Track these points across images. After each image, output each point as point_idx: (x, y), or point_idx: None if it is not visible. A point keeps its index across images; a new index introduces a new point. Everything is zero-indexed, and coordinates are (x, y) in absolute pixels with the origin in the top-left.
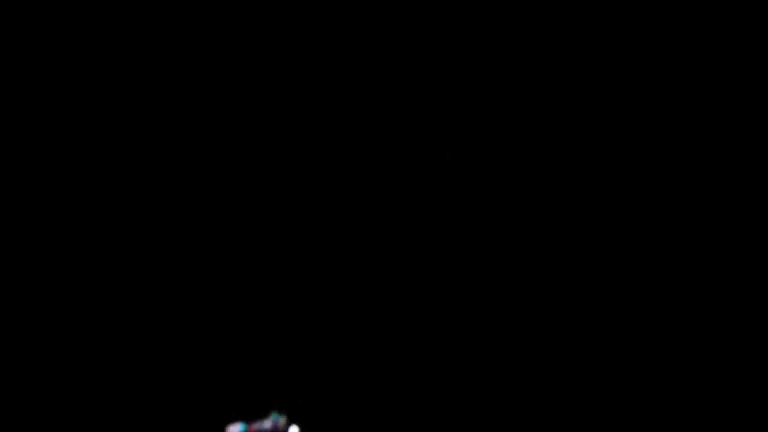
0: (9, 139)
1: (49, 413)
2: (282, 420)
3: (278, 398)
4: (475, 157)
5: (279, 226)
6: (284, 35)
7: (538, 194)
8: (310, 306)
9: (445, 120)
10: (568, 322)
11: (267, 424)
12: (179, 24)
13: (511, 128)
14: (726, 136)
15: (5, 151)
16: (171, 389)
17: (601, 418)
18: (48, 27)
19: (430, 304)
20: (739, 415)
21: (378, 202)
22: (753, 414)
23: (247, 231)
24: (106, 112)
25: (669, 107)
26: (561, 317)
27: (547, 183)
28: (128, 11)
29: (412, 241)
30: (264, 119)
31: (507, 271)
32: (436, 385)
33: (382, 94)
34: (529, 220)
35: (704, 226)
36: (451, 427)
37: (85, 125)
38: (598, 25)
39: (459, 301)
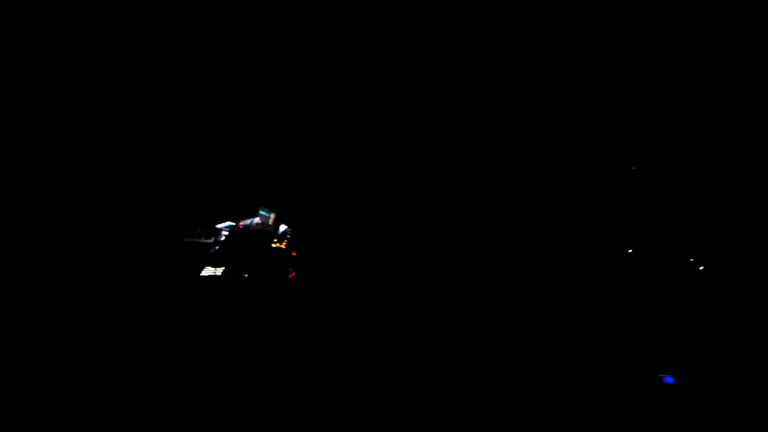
0: None
1: None
2: (271, 217)
3: (268, 196)
4: (472, 158)
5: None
6: (283, 35)
7: (537, 195)
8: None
9: (444, 121)
10: (567, 322)
11: (255, 220)
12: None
13: (511, 129)
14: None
15: None
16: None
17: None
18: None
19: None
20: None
21: (376, 202)
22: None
23: None
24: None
25: (669, 108)
26: (560, 317)
27: (546, 183)
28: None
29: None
30: (263, 119)
31: (505, 270)
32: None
33: (381, 94)
34: (527, 220)
35: (705, 227)
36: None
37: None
38: (598, 25)
39: (458, 298)
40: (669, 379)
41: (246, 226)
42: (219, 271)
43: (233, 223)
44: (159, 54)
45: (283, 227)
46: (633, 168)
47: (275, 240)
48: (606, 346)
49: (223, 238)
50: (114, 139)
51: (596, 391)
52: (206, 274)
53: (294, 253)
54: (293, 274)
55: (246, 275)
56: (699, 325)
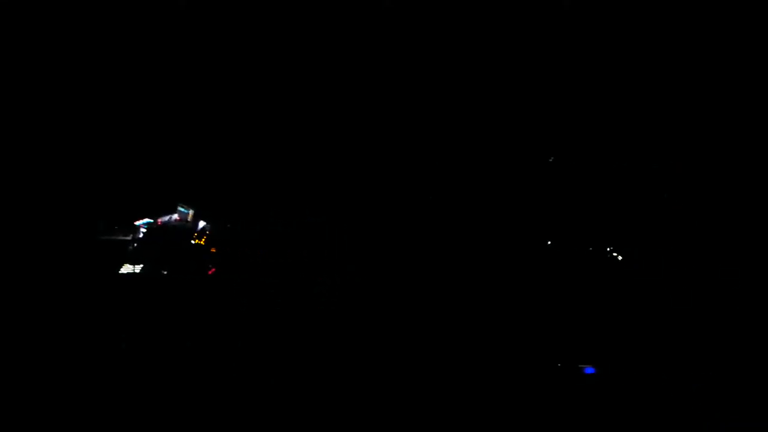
0: None
1: None
2: (189, 213)
3: (186, 192)
4: (472, 158)
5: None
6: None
7: (537, 195)
8: None
9: (444, 120)
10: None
11: (174, 217)
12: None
13: (511, 128)
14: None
15: None
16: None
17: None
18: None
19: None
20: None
21: (376, 202)
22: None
23: None
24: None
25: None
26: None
27: (546, 183)
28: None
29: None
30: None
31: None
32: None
33: (380, 94)
34: (527, 220)
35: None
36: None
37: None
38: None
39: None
40: (589, 369)
41: (164, 223)
42: (138, 268)
43: (151, 220)
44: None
45: (202, 223)
46: (631, 167)
47: (195, 236)
48: (607, 345)
49: (141, 234)
50: (26, 133)
51: (596, 390)
52: (125, 272)
53: (213, 250)
54: (213, 270)
55: (165, 272)
56: (699, 325)
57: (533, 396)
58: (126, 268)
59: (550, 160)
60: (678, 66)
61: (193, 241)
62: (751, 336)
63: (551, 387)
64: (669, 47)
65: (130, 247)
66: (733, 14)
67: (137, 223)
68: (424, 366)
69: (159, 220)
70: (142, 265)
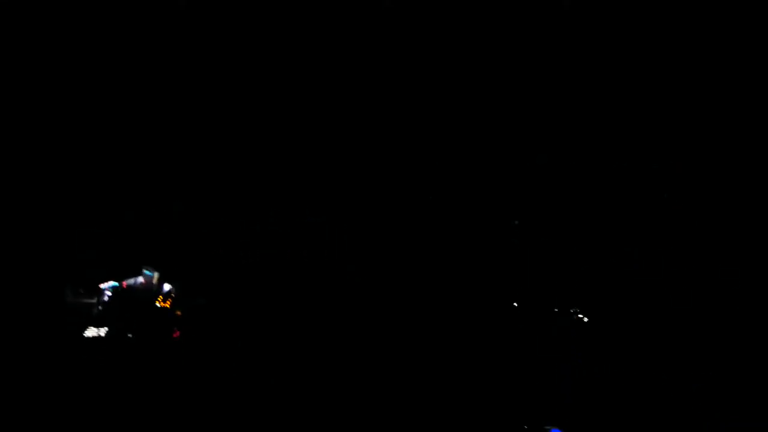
0: None
1: None
2: (155, 276)
3: (151, 255)
4: (472, 158)
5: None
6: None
7: (537, 194)
8: None
9: (443, 121)
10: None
11: (139, 280)
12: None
13: (511, 129)
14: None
15: None
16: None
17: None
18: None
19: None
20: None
21: (376, 203)
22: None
23: None
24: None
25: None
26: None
27: (546, 183)
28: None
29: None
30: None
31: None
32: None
33: (380, 94)
34: (527, 220)
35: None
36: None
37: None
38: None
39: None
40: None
41: (129, 286)
42: (102, 331)
43: (116, 283)
44: None
45: (167, 286)
46: (631, 167)
47: (159, 299)
48: (606, 345)
49: (106, 298)
50: None
51: (596, 390)
52: (90, 335)
53: (179, 312)
54: (177, 333)
55: (130, 335)
56: (699, 325)
57: (533, 394)
58: (91, 331)
59: (550, 160)
60: (677, 66)
61: (158, 304)
62: (751, 336)
63: (551, 385)
64: (668, 47)
65: (95, 310)
66: (733, 14)
67: (102, 286)
68: (423, 365)
69: (124, 282)
70: (106, 329)
